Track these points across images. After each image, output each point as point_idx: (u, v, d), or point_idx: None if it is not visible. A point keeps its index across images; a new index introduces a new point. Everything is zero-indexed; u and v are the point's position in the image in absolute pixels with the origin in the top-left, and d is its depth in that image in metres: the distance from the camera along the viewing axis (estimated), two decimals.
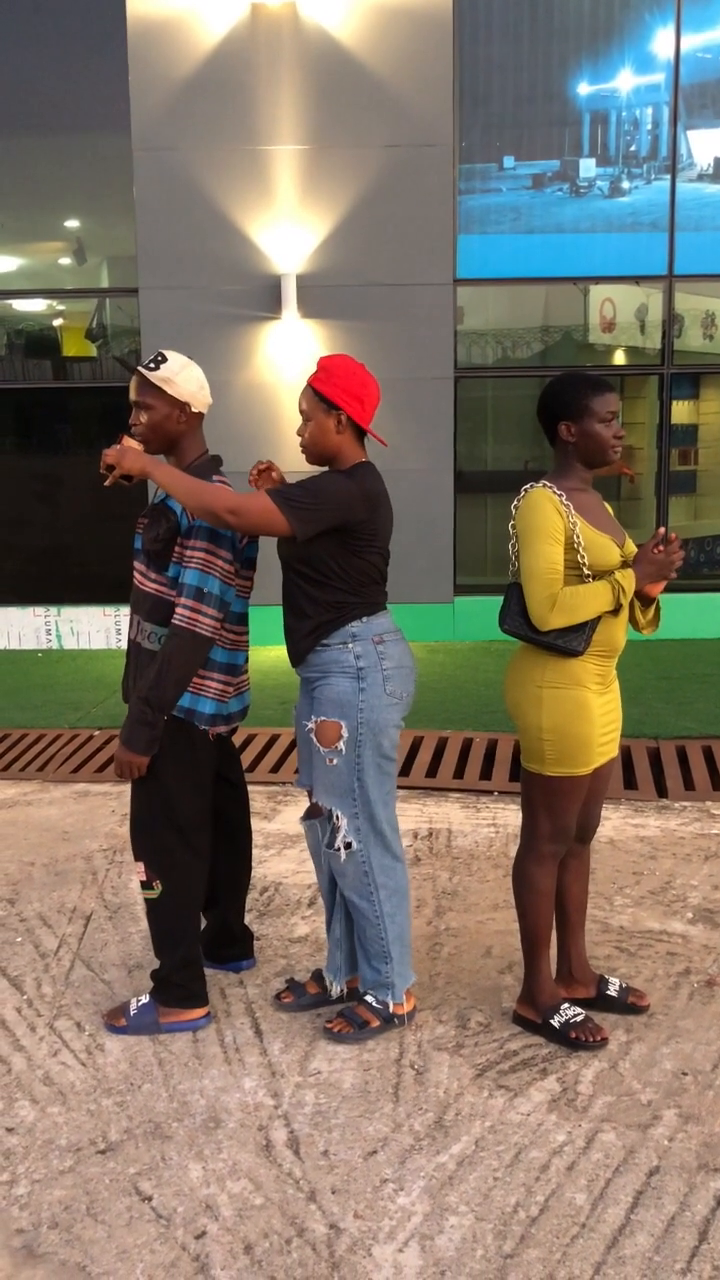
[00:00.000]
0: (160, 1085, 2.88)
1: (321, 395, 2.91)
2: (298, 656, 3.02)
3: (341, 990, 3.19)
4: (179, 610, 2.91)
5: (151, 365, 2.98)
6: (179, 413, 3.00)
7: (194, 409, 3.01)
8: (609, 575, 2.83)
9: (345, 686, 2.93)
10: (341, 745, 2.94)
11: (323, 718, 2.96)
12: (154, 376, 2.96)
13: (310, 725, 3.00)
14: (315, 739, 2.98)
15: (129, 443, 2.99)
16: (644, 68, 8.54)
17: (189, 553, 2.91)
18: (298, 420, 8.77)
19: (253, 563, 3.09)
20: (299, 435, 3.00)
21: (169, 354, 3.01)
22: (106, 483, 2.96)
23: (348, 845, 3.01)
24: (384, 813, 3.02)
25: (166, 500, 3.00)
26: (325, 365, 2.94)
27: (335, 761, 2.97)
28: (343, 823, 3.00)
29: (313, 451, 3.00)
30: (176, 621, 2.91)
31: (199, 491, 2.81)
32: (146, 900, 3.12)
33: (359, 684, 2.92)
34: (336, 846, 3.02)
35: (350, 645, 2.93)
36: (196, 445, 3.05)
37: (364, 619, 2.95)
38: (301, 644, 2.98)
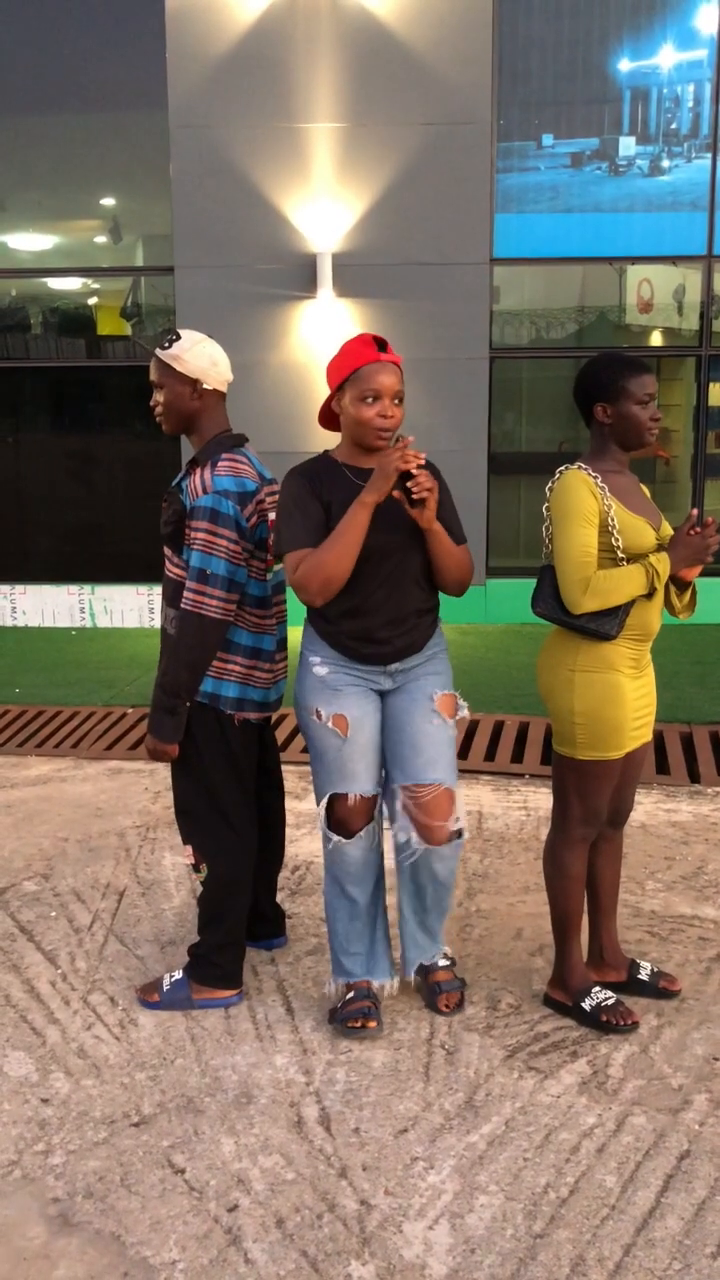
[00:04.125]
0: (193, 1060, 2.91)
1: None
2: (419, 645, 2.96)
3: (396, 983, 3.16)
4: (185, 594, 2.93)
5: (165, 344, 3.02)
6: (190, 390, 3.01)
7: (206, 385, 3.00)
8: (643, 559, 2.82)
9: (447, 659, 3.09)
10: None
11: (446, 691, 3.02)
12: (164, 355, 3.00)
13: (435, 700, 2.97)
14: (442, 713, 2.98)
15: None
16: (685, 44, 8.42)
17: (192, 534, 2.93)
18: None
19: (265, 543, 3.04)
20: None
21: (184, 332, 3.05)
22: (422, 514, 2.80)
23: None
24: None
25: (180, 482, 3.03)
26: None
27: (451, 733, 3.02)
28: (459, 798, 3.04)
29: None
30: (183, 605, 2.92)
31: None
32: (201, 882, 3.15)
33: None
34: (463, 835, 3.02)
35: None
36: (216, 423, 3.05)
37: None
38: (427, 631, 3.00)
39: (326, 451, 2.96)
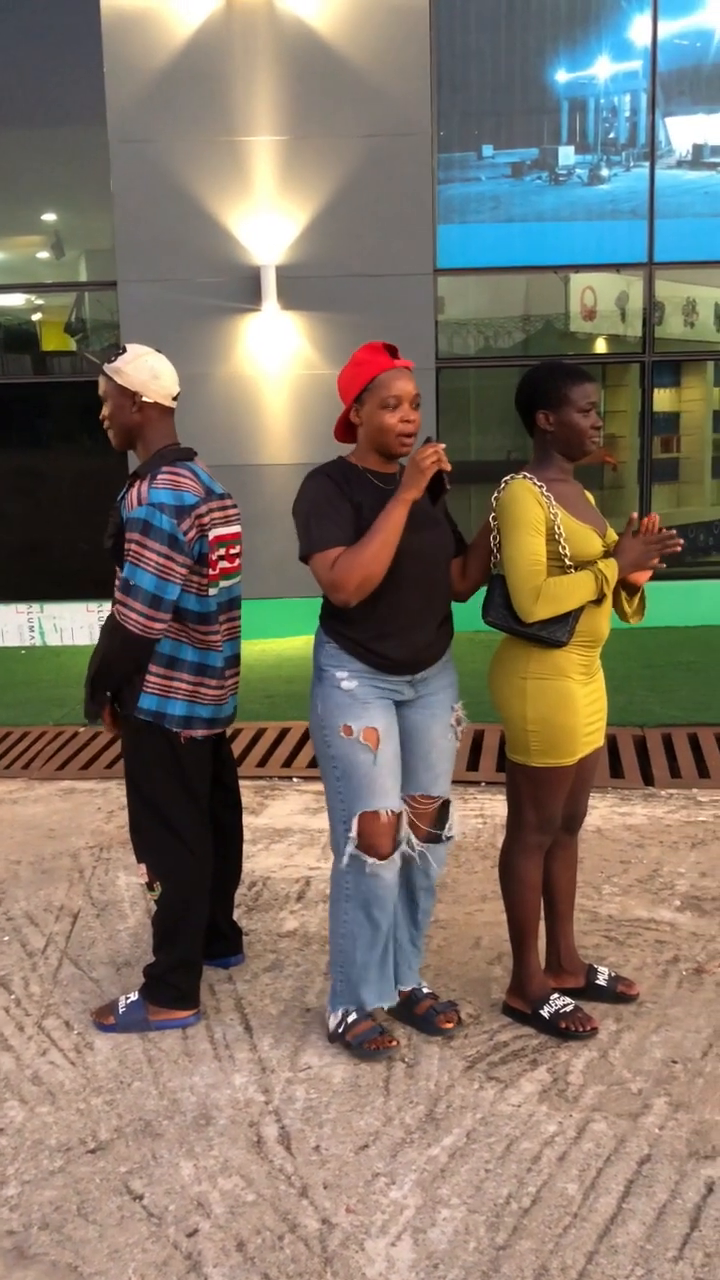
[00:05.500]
0: (150, 1083, 2.87)
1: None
2: (442, 652, 2.97)
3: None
4: (114, 605, 2.94)
5: (112, 358, 3.02)
6: (129, 403, 3.00)
7: (146, 399, 2.98)
8: (591, 565, 2.83)
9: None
10: None
11: (459, 701, 3.04)
12: (108, 367, 3.00)
13: (456, 716, 3.02)
14: (455, 726, 3.02)
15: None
16: (621, 55, 8.53)
17: (127, 546, 2.91)
18: (280, 412, 8.76)
19: (205, 559, 2.98)
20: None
21: (130, 346, 3.05)
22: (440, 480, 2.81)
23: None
24: None
25: (120, 497, 3.02)
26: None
27: (457, 744, 3.06)
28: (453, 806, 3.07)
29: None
30: (111, 611, 2.94)
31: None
32: (155, 901, 3.12)
33: None
34: (454, 834, 3.06)
35: None
36: (161, 437, 3.03)
37: None
38: (450, 638, 3.00)
39: (343, 457, 2.90)
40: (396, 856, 2.89)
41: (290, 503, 8.97)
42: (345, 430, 2.91)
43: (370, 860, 2.85)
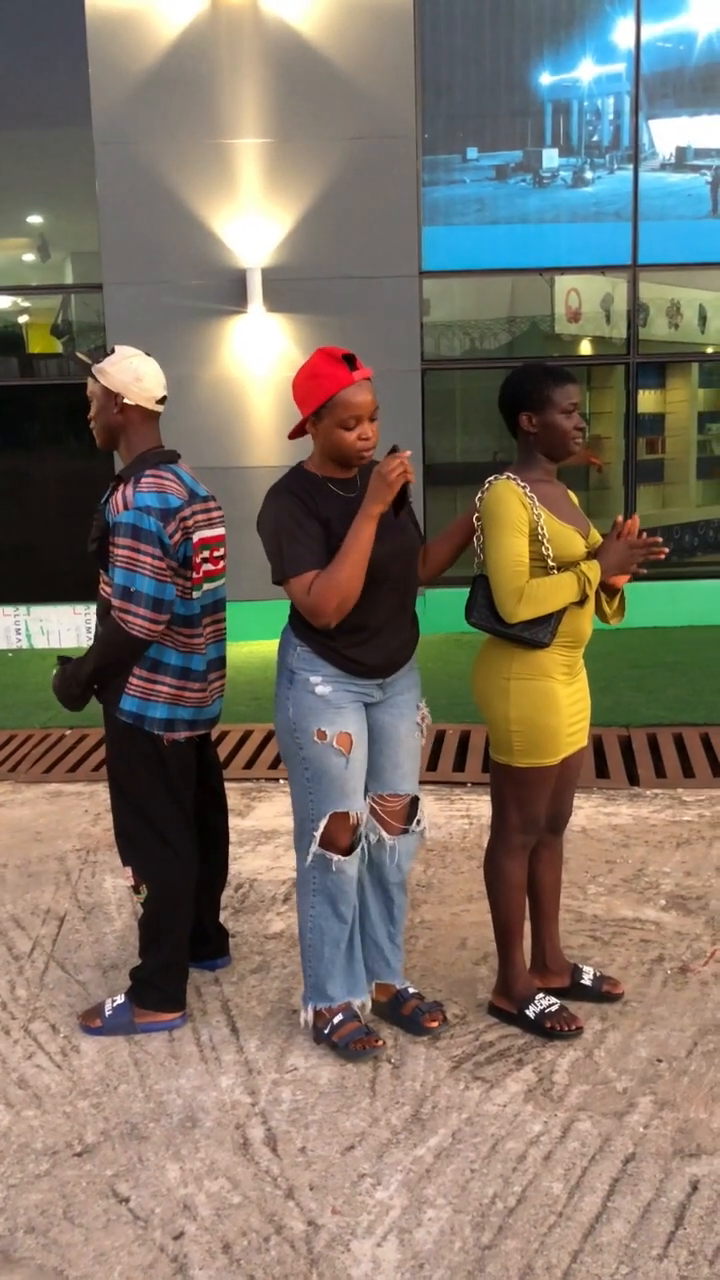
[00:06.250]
0: (136, 1086, 2.87)
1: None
2: (410, 653, 3.00)
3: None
4: (113, 611, 2.92)
5: (98, 358, 3.03)
6: (112, 404, 3.00)
7: (127, 401, 2.98)
8: (574, 566, 2.84)
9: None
10: None
11: (422, 700, 3.09)
12: (95, 368, 3.01)
13: (421, 715, 3.07)
14: (421, 724, 3.08)
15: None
16: (605, 58, 8.55)
17: (115, 551, 2.91)
18: (265, 415, 8.76)
19: (189, 561, 3.00)
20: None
21: (119, 347, 3.04)
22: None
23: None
24: None
25: (105, 499, 3.01)
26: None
27: (422, 742, 3.10)
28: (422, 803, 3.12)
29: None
30: (110, 619, 2.93)
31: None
32: (141, 904, 3.12)
33: None
34: (423, 827, 3.10)
35: None
36: (144, 440, 3.03)
37: None
38: (417, 639, 3.02)
39: (301, 466, 2.87)
40: (357, 851, 2.95)
41: None
42: (301, 431, 2.89)
43: (336, 857, 2.91)
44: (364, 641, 2.84)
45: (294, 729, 2.86)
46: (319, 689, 2.83)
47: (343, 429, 2.73)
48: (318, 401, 2.72)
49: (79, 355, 3.05)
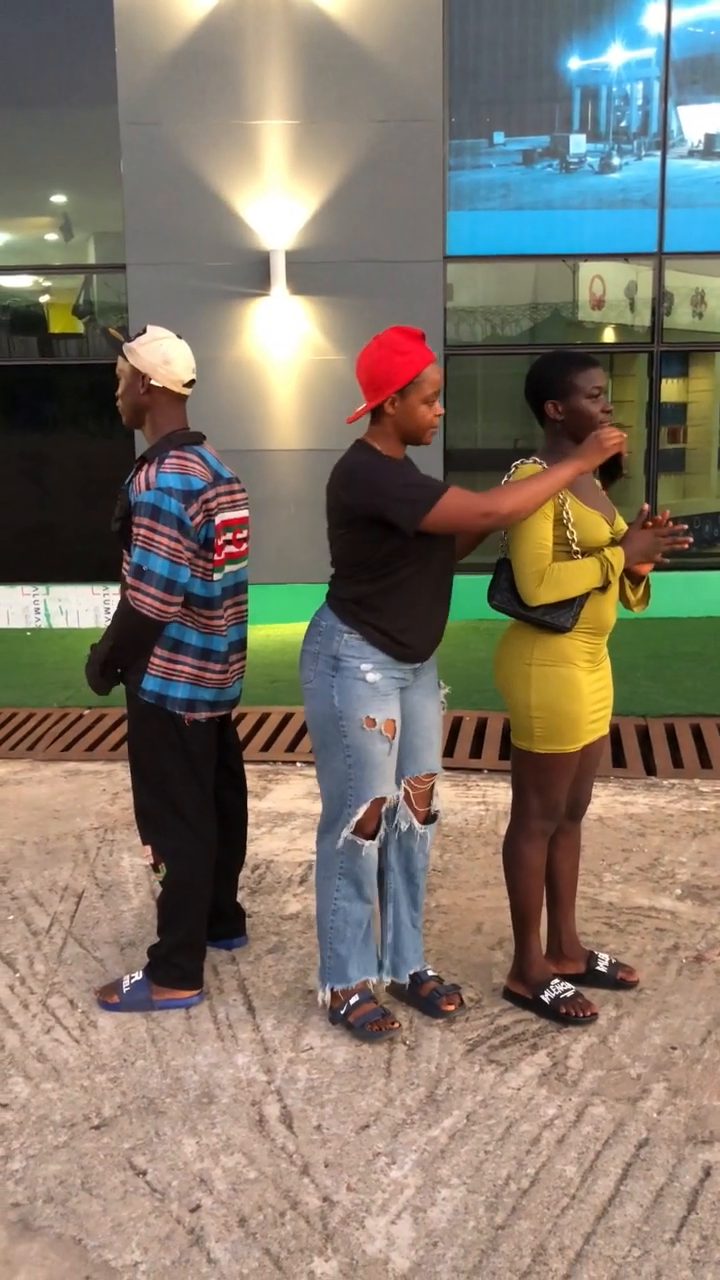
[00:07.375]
0: (153, 1061, 2.90)
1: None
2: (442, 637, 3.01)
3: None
4: (127, 588, 2.94)
5: (131, 337, 3.05)
6: (139, 384, 3.01)
7: (154, 382, 3.00)
8: (598, 552, 2.84)
9: None
10: None
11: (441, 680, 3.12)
12: (126, 346, 3.03)
13: (443, 690, 3.11)
14: (445, 702, 3.12)
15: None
16: (635, 43, 8.48)
17: (135, 530, 2.92)
18: (287, 398, 8.76)
19: (211, 543, 3.00)
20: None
21: (151, 328, 3.05)
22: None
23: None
24: None
25: (129, 479, 3.03)
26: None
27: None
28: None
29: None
30: (125, 598, 2.95)
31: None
32: (159, 883, 3.14)
33: None
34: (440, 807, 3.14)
35: None
36: (169, 421, 3.04)
37: None
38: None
39: (368, 444, 2.83)
40: (380, 834, 2.99)
41: (298, 489, 8.97)
42: (365, 412, 2.87)
43: (366, 842, 2.93)
44: (412, 626, 2.86)
45: (340, 717, 2.85)
46: (369, 676, 2.84)
47: (425, 404, 2.78)
48: (405, 378, 2.74)
49: (110, 331, 3.06)
